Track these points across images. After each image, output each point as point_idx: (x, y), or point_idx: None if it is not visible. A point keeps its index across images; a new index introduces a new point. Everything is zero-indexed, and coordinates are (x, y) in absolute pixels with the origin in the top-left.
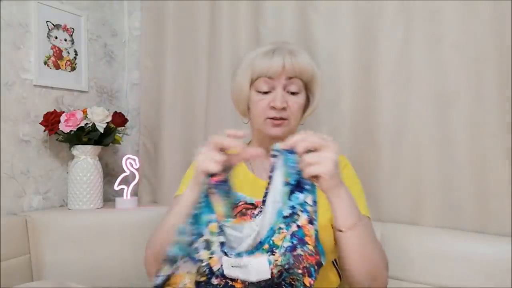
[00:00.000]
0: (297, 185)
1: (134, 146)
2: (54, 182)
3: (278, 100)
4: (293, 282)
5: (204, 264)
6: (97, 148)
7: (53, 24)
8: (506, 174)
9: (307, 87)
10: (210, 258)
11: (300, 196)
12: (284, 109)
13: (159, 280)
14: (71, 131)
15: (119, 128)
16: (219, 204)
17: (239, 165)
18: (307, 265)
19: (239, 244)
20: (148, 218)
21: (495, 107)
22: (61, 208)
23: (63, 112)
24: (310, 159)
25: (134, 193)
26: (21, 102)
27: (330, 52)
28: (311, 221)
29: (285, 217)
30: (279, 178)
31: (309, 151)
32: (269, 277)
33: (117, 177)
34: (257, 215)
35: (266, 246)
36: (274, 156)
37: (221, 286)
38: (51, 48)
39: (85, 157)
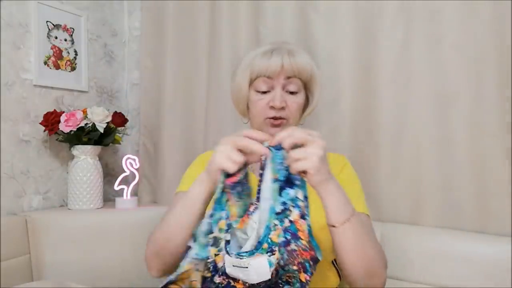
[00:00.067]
0: (287, 181)
1: (134, 146)
2: (54, 182)
3: (277, 100)
4: (289, 280)
5: (210, 260)
6: (97, 148)
7: (53, 24)
8: (506, 174)
9: (307, 87)
10: (217, 255)
11: (290, 192)
12: (283, 108)
13: (173, 276)
14: (71, 131)
15: (119, 128)
16: (234, 205)
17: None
18: (302, 261)
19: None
20: (148, 218)
21: (495, 107)
22: (61, 208)
23: (63, 112)
24: (296, 155)
25: (134, 193)
26: (21, 102)
27: (330, 52)
28: (303, 216)
29: (277, 213)
30: (268, 175)
31: (296, 146)
32: (269, 278)
33: (117, 177)
34: (252, 212)
35: (265, 245)
36: None
37: (223, 285)
38: (51, 48)
39: (85, 157)
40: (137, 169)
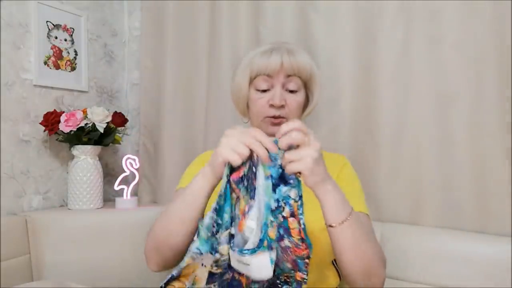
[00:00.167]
0: (282, 179)
1: (134, 146)
2: (54, 182)
3: (276, 98)
4: (288, 280)
5: (224, 258)
6: (97, 148)
7: (53, 24)
8: (506, 174)
9: (307, 86)
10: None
11: (283, 189)
12: (283, 107)
13: (175, 272)
14: (71, 131)
15: (119, 128)
16: (242, 199)
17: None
18: (295, 258)
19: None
20: (148, 218)
21: (495, 107)
22: (61, 208)
23: (63, 112)
24: (290, 156)
25: (134, 193)
26: (21, 102)
27: (330, 52)
28: (293, 214)
29: (272, 210)
30: (261, 173)
31: (291, 146)
32: (271, 275)
33: (117, 177)
34: (248, 211)
35: (265, 242)
36: None
37: (228, 279)
38: (51, 48)
39: (85, 157)
40: (137, 169)
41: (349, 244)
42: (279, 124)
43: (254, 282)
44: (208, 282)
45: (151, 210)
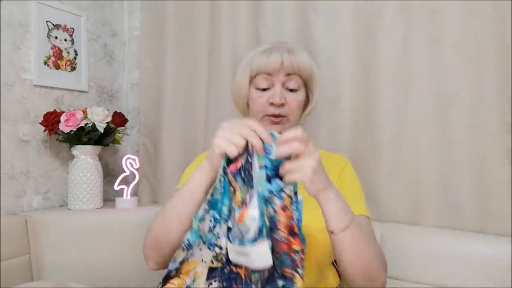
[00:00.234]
0: (278, 171)
1: (134, 146)
2: (54, 182)
3: (276, 96)
4: (284, 274)
5: (223, 252)
6: (97, 148)
7: (53, 24)
8: (506, 174)
9: (307, 86)
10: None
11: (280, 183)
12: (282, 105)
13: (171, 266)
14: (71, 131)
15: (119, 128)
16: (238, 191)
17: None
18: (280, 252)
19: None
20: (148, 218)
21: (495, 107)
22: (61, 208)
23: (63, 112)
24: (290, 166)
25: (134, 193)
26: (21, 102)
27: (330, 52)
28: (283, 208)
29: (266, 200)
30: (256, 163)
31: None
32: (272, 264)
33: (117, 177)
34: (249, 200)
35: (264, 231)
36: None
37: (227, 272)
38: (51, 48)
39: (85, 157)
40: (137, 169)
41: (350, 250)
42: (279, 122)
43: (254, 272)
44: (208, 278)
45: (151, 210)
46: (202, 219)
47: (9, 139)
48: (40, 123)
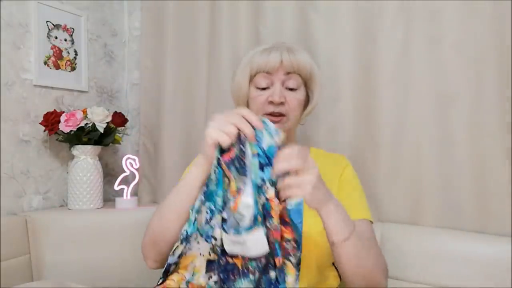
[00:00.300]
0: (270, 159)
1: (134, 146)
2: (54, 182)
3: (276, 95)
4: (278, 265)
5: (218, 243)
6: (97, 148)
7: (53, 24)
8: (506, 174)
9: (307, 85)
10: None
11: (272, 172)
12: (282, 104)
13: (170, 260)
14: (71, 131)
15: (119, 128)
16: (233, 181)
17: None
18: (273, 241)
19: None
20: (148, 218)
21: (495, 107)
22: (61, 208)
23: (63, 112)
24: (290, 182)
25: (134, 193)
26: (21, 102)
27: (330, 52)
28: (277, 196)
29: (258, 187)
30: (249, 151)
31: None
32: (268, 250)
33: (117, 177)
34: (244, 188)
35: (259, 218)
36: None
37: (223, 264)
38: (51, 48)
39: (85, 157)
40: (137, 169)
41: (350, 259)
42: (279, 121)
43: (251, 260)
44: (207, 271)
45: (151, 210)
46: (199, 211)
47: (9, 139)
48: (40, 123)
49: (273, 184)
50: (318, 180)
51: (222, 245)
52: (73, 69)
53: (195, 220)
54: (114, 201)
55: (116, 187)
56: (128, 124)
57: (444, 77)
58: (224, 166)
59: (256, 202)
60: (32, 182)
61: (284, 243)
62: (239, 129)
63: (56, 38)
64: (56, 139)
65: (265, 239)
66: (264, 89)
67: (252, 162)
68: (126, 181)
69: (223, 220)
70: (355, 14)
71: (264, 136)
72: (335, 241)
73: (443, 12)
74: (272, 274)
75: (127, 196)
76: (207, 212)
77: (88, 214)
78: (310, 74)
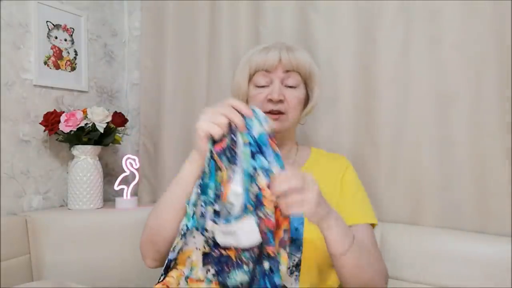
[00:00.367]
0: (261, 148)
1: (134, 146)
2: (54, 182)
3: (275, 92)
4: (271, 255)
5: (211, 235)
6: (97, 148)
7: (53, 24)
8: (506, 174)
9: (306, 84)
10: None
11: (264, 161)
12: (281, 102)
13: (170, 256)
14: (71, 131)
15: (119, 128)
16: (225, 171)
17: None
18: (265, 230)
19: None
20: None
21: (495, 107)
22: (61, 208)
23: (63, 112)
24: (291, 200)
25: (134, 193)
26: (21, 102)
27: (330, 52)
28: (269, 186)
29: (251, 176)
30: (240, 140)
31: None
32: (260, 240)
33: (117, 177)
34: (233, 176)
35: (249, 206)
36: None
37: (216, 256)
38: (51, 48)
39: (85, 157)
40: (137, 169)
41: (350, 270)
42: (277, 119)
43: (244, 251)
44: (204, 264)
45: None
46: (195, 204)
47: (9, 139)
48: (40, 123)
49: (266, 171)
50: (319, 196)
51: (213, 237)
52: (73, 69)
53: (193, 213)
54: (114, 201)
55: (116, 187)
56: (128, 124)
57: (444, 77)
58: (216, 156)
59: (247, 191)
60: (32, 182)
61: (281, 232)
62: (229, 119)
63: (56, 38)
64: (56, 139)
65: (257, 228)
66: (263, 87)
67: (243, 151)
68: (126, 181)
69: (215, 212)
70: (355, 14)
71: (254, 124)
72: (335, 253)
73: (443, 12)
74: (266, 264)
75: (127, 196)
76: (202, 206)
77: (88, 214)
78: (309, 72)
